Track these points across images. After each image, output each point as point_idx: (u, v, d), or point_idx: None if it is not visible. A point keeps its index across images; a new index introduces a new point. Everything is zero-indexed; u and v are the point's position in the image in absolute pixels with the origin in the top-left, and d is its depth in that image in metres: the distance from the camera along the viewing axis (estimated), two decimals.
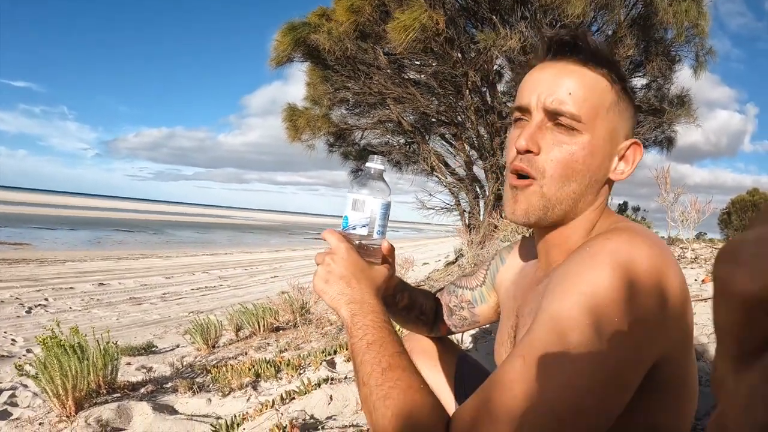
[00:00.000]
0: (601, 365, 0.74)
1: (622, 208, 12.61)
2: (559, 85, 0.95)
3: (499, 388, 0.78)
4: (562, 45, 0.98)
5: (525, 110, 0.99)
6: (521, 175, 0.98)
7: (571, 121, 0.94)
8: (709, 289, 3.64)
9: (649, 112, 9.51)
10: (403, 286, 1.41)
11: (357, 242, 1.12)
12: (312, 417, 2.57)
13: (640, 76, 9.38)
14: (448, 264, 9.46)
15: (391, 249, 1.21)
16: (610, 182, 1.02)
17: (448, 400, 1.47)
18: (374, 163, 1.12)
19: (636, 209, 12.73)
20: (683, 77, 9.68)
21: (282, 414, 2.55)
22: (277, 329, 5.71)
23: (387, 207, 1.12)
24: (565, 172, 0.95)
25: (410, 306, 1.45)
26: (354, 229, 1.11)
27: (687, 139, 11.16)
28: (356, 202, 1.09)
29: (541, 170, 0.95)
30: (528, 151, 0.96)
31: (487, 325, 1.58)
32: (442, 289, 1.57)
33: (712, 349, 2.70)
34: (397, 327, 1.25)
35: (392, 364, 0.93)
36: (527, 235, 1.51)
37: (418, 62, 9.47)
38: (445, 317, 1.51)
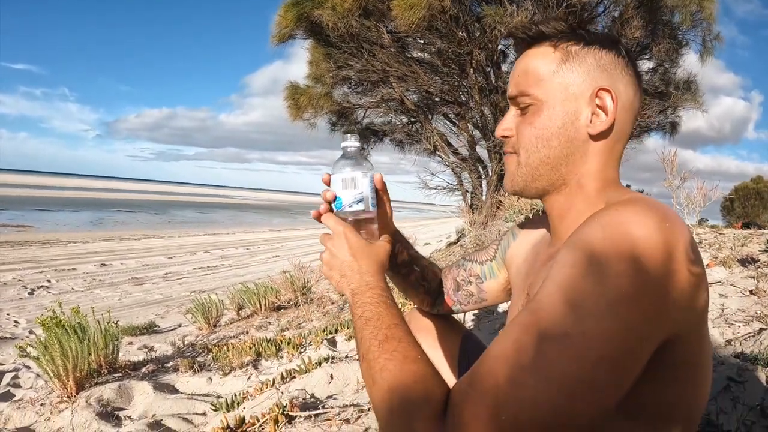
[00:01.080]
0: (610, 336, 0.70)
1: None
2: (514, 74, 1.05)
3: (504, 359, 0.73)
4: (518, 41, 1.06)
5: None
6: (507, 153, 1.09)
7: (523, 98, 1.02)
8: (713, 273, 3.63)
9: (654, 96, 9.42)
10: (402, 240, 1.42)
11: (353, 218, 1.13)
12: (312, 396, 2.56)
13: (646, 59, 9.28)
14: (450, 244, 9.43)
15: (383, 183, 1.21)
16: (595, 139, 0.98)
17: (450, 379, 1.45)
18: (351, 142, 1.16)
19: (641, 196, 12.70)
20: (689, 62, 9.59)
21: (282, 393, 2.53)
22: (278, 308, 5.71)
23: (372, 180, 1.15)
24: (533, 141, 1.01)
25: (409, 263, 1.43)
26: (350, 206, 1.12)
27: (690, 125, 11.12)
28: (346, 181, 1.11)
29: (515, 146, 1.05)
30: (505, 137, 1.07)
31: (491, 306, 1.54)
32: (450, 265, 1.54)
33: (715, 333, 2.69)
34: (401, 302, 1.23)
35: (389, 336, 0.93)
36: (530, 216, 1.48)
37: (422, 41, 9.38)
38: (451, 292, 1.48)
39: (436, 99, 10.02)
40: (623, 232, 0.74)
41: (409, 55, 9.69)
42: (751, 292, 3.27)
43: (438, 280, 1.51)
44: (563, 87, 0.98)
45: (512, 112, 1.06)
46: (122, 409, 3.13)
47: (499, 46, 9.14)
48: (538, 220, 1.32)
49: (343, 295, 1.11)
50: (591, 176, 0.99)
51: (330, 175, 1.15)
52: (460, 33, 8.63)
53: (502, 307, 3.50)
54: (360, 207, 1.12)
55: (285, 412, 2.13)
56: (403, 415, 0.82)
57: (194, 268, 12.83)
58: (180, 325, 6.26)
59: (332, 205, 1.14)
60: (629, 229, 0.74)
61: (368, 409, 2.21)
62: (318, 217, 1.17)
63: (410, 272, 1.44)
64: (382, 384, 0.87)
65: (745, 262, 3.93)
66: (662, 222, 0.75)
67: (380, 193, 1.21)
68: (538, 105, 0.99)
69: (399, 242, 1.39)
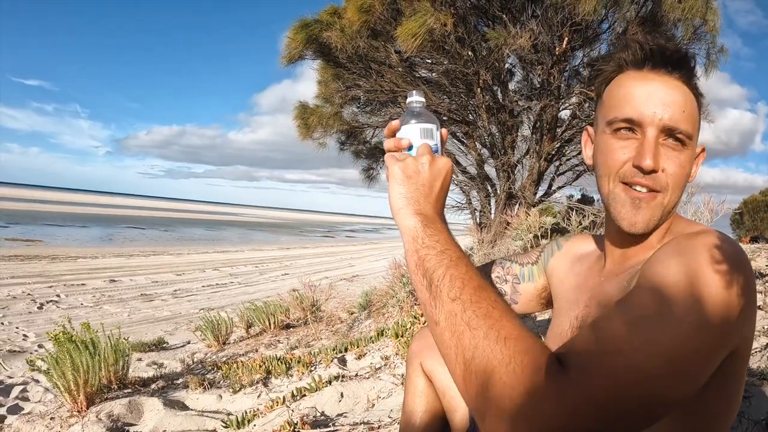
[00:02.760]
0: (705, 333, 0.76)
1: None
2: (674, 102, 0.99)
3: (624, 331, 0.77)
4: (668, 58, 1.00)
5: (635, 123, 1.01)
6: (646, 192, 1.03)
7: (685, 139, 1.00)
8: None
9: None
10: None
11: None
12: (323, 414, 2.57)
13: None
14: None
15: (447, 134, 1.18)
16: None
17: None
18: (417, 97, 1.13)
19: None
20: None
21: (293, 411, 2.54)
22: (287, 326, 5.72)
23: (440, 134, 1.14)
24: (679, 185, 1.02)
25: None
26: None
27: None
28: (424, 131, 1.09)
29: (665, 185, 1.00)
30: (653, 171, 0.99)
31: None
32: (488, 262, 1.53)
33: None
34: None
35: (483, 285, 0.84)
36: (538, 235, 1.50)
37: (429, 60, 9.44)
38: None
39: (444, 118, 10.05)
40: (714, 250, 0.83)
41: (417, 75, 9.75)
42: (758, 307, 3.28)
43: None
44: (696, 137, 1.03)
45: (653, 138, 0.99)
46: (132, 425, 3.15)
47: (506, 65, 9.20)
48: (582, 237, 1.37)
49: (394, 214, 0.99)
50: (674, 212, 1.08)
51: (400, 123, 1.10)
52: (467, 53, 8.69)
53: None
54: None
55: (296, 430, 2.14)
56: (522, 365, 0.73)
57: (203, 286, 12.86)
58: (189, 342, 6.29)
59: (407, 152, 1.09)
60: (718, 249, 0.83)
61: (378, 428, 2.22)
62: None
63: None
64: (488, 331, 0.77)
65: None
66: (740, 247, 0.87)
67: (442, 148, 1.17)
68: (688, 149, 1.01)
69: None
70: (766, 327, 2.97)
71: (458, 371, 0.78)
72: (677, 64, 1.00)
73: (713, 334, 0.77)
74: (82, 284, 11.86)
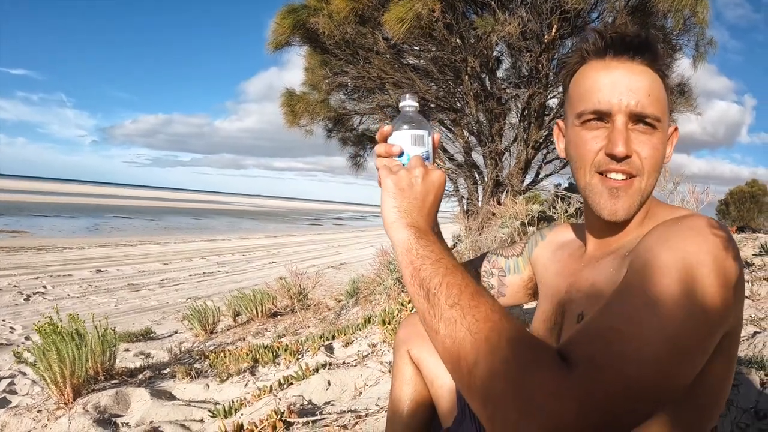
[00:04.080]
0: (703, 318, 0.78)
1: None
2: (639, 87, 1.00)
3: (620, 324, 0.77)
4: (628, 45, 1.02)
5: (603, 113, 1.02)
6: (622, 179, 1.04)
7: (654, 122, 1.01)
8: None
9: None
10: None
11: None
12: (310, 402, 2.57)
13: None
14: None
15: (439, 139, 1.18)
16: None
17: (448, 381, 1.45)
18: (410, 101, 1.12)
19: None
20: (682, 67, 9.64)
21: (280, 399, 2.54)
22: (275, 315, 5.72)
23: (432, 140, 1.13)
24: (655, 167, 1.03)
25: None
26: None
27: (684, 129, 11.18)
28: (416, 138, 1.08)
29: (640, 169, 1.02)
30: (626, 156, 1.00)
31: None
32: (473, 258, 1.53)
33: None
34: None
35: (479, 290, 0.84)
36: (525, 222, 1.51)
37: (417, 47, 9.40)
38: None
39: (432, 105, 10.03)
40: (709, 233, 0.85)
41: (405, 62, 9.70)
42: (745, 296, 3.32)
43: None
44: (667, 119, 1.05)
45: (623, 125, 1.01)
46: (120, 416, 3.14)
47: (494, 53, 9.18)
48: (565, 226, 1.39)
49: (387, 226, 0.98)
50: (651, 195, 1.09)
51: (392, 128, 1.10)
52: (455, 40, 8.66)
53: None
54: (428, 164, 1.08)
55: (283, 419, 2.14)
56: (526, 364, 0.72)
57: (190, 275, 12.83)
58: (176, 332, 6.27)
59: (398, 159, 1.08)
60: (712, 230, 0.85)
61: (365, 416, 2.23)
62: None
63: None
64: (489, 334, 0.76)
65: None
66: (726, 229, 0.89)
67: (435, 152, 1.17)
68: (658, 131, 1.02)
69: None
70: (753, 315, 3.01)
71: (463, 378, 0.77)
72: (638, 49, 1.01)
73: (713, 316, 0.79)
74: (69, 275, 11.79)
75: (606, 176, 1.04)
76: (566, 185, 10.18)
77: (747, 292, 3.38)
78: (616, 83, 1.01)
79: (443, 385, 1.47)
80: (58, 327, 3.45)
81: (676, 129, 1.12)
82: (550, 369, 0.71)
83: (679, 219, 0.92)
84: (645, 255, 0.86)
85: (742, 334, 2.70)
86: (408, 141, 1.08)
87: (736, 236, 5.70)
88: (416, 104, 1.12)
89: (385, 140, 1.10)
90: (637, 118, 1.00)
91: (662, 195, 5.05)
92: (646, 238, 0.92)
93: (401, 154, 1.07)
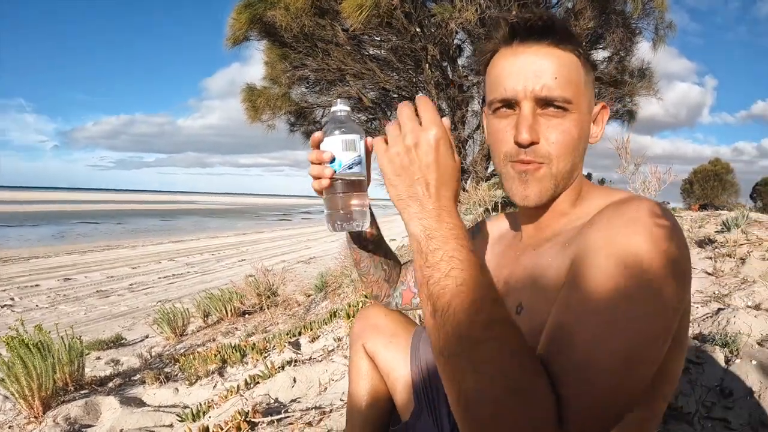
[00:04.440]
0: (660, 313, 0.77)
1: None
2: (543, 71, 0.96)
3: (588, 344, 0.75)
4: (532, 29, 0.97)
5: (511, 100, 0.99)
6: (527, 162, 1.00)
7: (563, 104, 0.97)
8: None
9: (610, 84, 9.61)
10: (372, 216, 1.29)
11: (350, 180, 1.08)
12: (276, 400, 2.58)
13: (601, 49, 9.45)
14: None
15: (371, 147, 1.10)
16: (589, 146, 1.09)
17: (403, 374, 1.43)
18: (342, 106, 1.11)
19: (601, 181, 12.94)
20: (643, 50, 9.78)
21: (246, 399, 2.56)
22: (244, 313, 5.71)
23: (364, 144, 1.11)
24: (566, 151, 0.98)
25: (377, 241, 1.35)
26: (350, 168, 1.07)
27: (647, 112, 11.32)
28: (347, 143, 1.07)
29: (547, 155, 0.98)
30: (531, 143, 0.97)
31: None
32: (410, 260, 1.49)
33: None
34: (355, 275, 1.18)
35: (493, 317, 0.74)
36: (489, 208, 1.48)
37: (378, 38, 9.38)
38: (412, 284, 1.44)
39: (394, 95, 10.06)
40: (653, 221, 0.82)
41: (365, 53, 9.69)
42: (708, 273, 3.38)
43: (397, 269, 1.45)
44: (588, 100, 1.02)
45: (529, 111, 0.97)
46: (90, 426, 3.13)
47: (455, 41, 9.22)
48: (496, 218, 1.35)
49: (401, 215, 0.87)
50: (579, 177, 1.07)
51: (323, 135, 1.08)
52: (414, 28, 8.68)
53: None
54: (358, 170, 1.08)
55: (247, 419, 2.16)
56: (527, 419, 0.68)
57: (159, 277, 12.68)
58: (147, 336, 6.22)
59: (330, 165, 1.06)
60: (656, 218, 0.83)
61: (330, 411, 2.25)
62: (320, 190, 1.09)
63: (376, 251, 1.36)
64: (494, 378, 0.70)
65: (703, 243, 4.07)
66: (669, 211, 0.87)
67: (368, 157, 1.15)
68: (571, 113, 0.98)
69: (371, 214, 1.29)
70: (717, 292, 3.04)
71: (459, 414, 0.72)
72: (543, 31, 0.97)
73: (670, 309, 0.78)
74: (37, 285, 11.57)
75: (514, 163, 1.01)
76: None
77: (710, 269, 3.43)
78: (521, 69, 0.97)
79: (398, 378, 1.44)
80: (24, 339, 3.41)
81: (603, 107, 1.09)
82: (546, 425, 0.69)
83: (620, 206, 0.88)
84: (592, 255, 0.82)
85: (705, 311, 2.76)
86: (339, 146, 1.07)
87: (699, 214, 5.84)
88: (348, 109, 1.12)
89: (317, 146, 1.09)
90: (544, 103, 0.97)
91: (624, 177, 5.14)
92: (589, 231, 0.89)
93: (333, 160, 1.06)
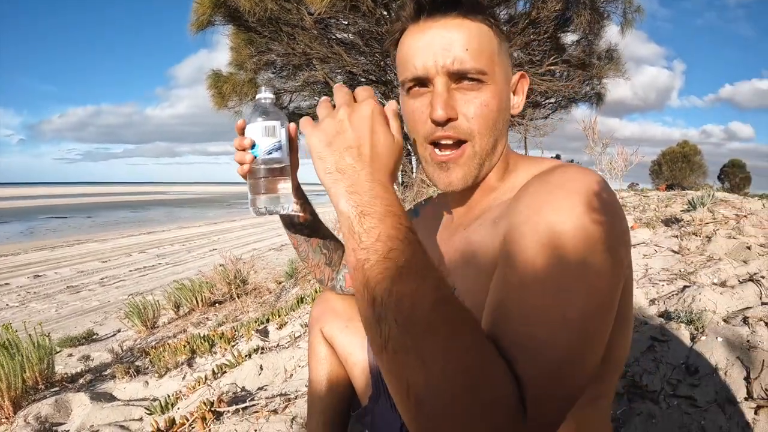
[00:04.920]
0: (603, 285, 0.74)
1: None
2: (452, 43, 0.92)
3: (515, 311, 0.73)
4: (437, 2, 0.94)
5: (423, 79, 0.95)
6: (446, 145, 0.97)
7: (478, 76, 0.93)
8: (638, 234, 3.82)
9: (578, 67, 9.68)
10: (305, 198, 1.30)
11: (271, 166, 1.10)
12: (243, 389, 2.60)
13: (569, 32, 9.49)
14: None
15: (295, 132, 1.14)
16: (511, 118, 1.06)
17: (361, 359, 1.44)
18: (266, 94, 1.13)
19: (570, 162, 13.09)
20: (611, 33, 9.86)
21: (214, 389, 2.57)
22: (215, 303, 5.70)
23: (287, 130, 1.13)
24: (487, 124, 0.95)
25: (313, 225, 1.35)
26: (269, 154, 1.09)
27: (616, 94, 11.44)
28: (267, 129, 1.09)
29: (469, 132, 0.94)
30: (449, 120, 0.93)
31: None
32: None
33: (639, 294, 2.81)
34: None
35: (440, 297, 0.68)
36: (418, 202, 1.44)
37: (344, 21, 9.31)
38: None
39: (362, 79, 10.00)
40: (584, 189, 0.78)
41: (332, 37, 9.61)
42: (674, 251, 3.43)
43: (340, 252, 1.44)
44: (504, 70, 0.98)
45: (443, 87, 0.93)
46: (61, 424, 3.11)
47: None
48: (438, 198, 1.31)
49: (328, 192, 0.80)
50: (505, 149, 1.04)
51: (245, 122, 1.10)
52: (380, 12, 8.63)
53: None
54: (278, 155, 1.10)
55: (212, 409, 2.17)
56: (482, 406, 0.62)
57: (130, 270, 12.55)
58: (119, 331, 6.18)
59: (250, 151, 1.09)
60: (586, 186, 0.79)
61: (295, 398, 2.27)
62: (243, 175, 1.11)
63: (313, 235, 1.36)
64: (446, 366, 0.63)
65: (669, 222, 4.14)
66: (601, 177, 0.83)
67: (293, 143, 1.15)
68: (488, 84, 0.94)
69: (302, 199, 1.29)
70: (683, 270, 3.07)
71: (409, 412, 0.65)
72: (450, 4, 0.93)
73: (608, 282, 0.75)
74: (6, 284, 11.36)
75: (435, 149, 0.98)
76: None
77: (676, 247, 3.47)
78: (429, 44, 0.93)
79: (356, 363, 1.44)
80: None
81: (522, 75, 1.04)
82: (506, 415, 0.64)
83: (544, 176, 0.85)
84: (520, 230, 0.79)
85: (670, 289, 2.79)
86: (259, 132, 1.09)
87: (666, 194, 5.94)
88: (271, 96, 1.14)
89: (242, 133, 1.11)
90: (458, 76, 0.93)
91: (591, 158, 5.22)
92: (516, 204, 0.85)
93: (253, 146, 1.09)
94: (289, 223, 1.33)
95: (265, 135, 1.09)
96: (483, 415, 0.62)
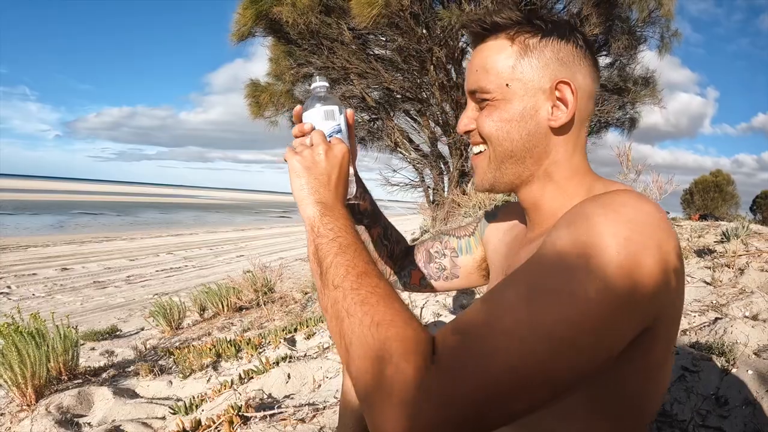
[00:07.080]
0: (595, 303, 0.69)
1: None
2: (472, 68, 1.04)
3: (498, 311, 0.72)
4: (475, 34, 1.04)
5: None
6: (475, 153, 1.08)
7: (483, 95, 1.01)
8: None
9: (613, 92, 9.62)
10: (364, 187, 1.37)
11: None
12: (270, 396, 2.58)
13: (604, 55, 9.45)
14: (413, 241, 9.47)
15: (353, 118, 1.21)
16: (557, 132, 1.00)
17: None
18: (321, 82, 1.17)
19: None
20: (647, 58, 9.78)
21: (240, 394, 2.55)
22: (241, 309, 5.70)
23: (345, 115, 1.17)
24: (498, 133, 1.00)
25: (373, 215, 1.39)
26: (330, 137, 1.11)
27: (648, 120, 11.32)
28: (327, 113, 1.12)
29: (486, 138, 1.03)
30: (468, 132, 1.07)
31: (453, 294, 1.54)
32: (426, 238, 1.51)
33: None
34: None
35: (367, 270, 0.85)
36: (499, 205, 1.47)
37: (383, 38, 9.39)
38: (422, 264, 1.44)
39: (397, 96, 10.05)
40: (605, 220, 0.74)
41: (370, 52, 9.70)
42: (707, 282, 3.37)
43: (403, 246, 1.47)
44: (524, 82, 0.97)
45: (471, 106, 1.06)
46: (82, 416, 3.11)
47: (460, 44, 9.23)
48: (514, 205, 1.30)
49: (299, 206, 1.02)
50: (558, 166, 1.01)
51: (302, 109, 1.14)
52: (420, 30, 8.68)
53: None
54: (339, 137, 1.12)
55: (240, 413, 2.15)
56: (390, 351, 0.71)
57: (157, 270, 12.66)
58: (143, 329, 6.21)
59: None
60: (611, 216, 0.75)
61: (323, 408, 2.25)
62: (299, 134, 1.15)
63: (373, 225, 1.39)
64: (363, 317, 0.76)
65: (702, 253, 4.06)
66: (643, 209, 0.77)
67: (350, 129, 1.19)
68: (497, 101, 0.99)
69: (361, 188, 1.34)
70: (714, 302, 3.02)
71: (343, 358, 0.80)
72: (481, 35, 1.04)
73: (610, 306, 0.69)
74: (34, 274, 11.55)
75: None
76: None
77: (708, 279, 3.38)
78: (467, 71, 1.08)
79: None
80: (18, 327, 3.40)
81: (560, 83, 0.97)
82: (415, 362, 0.70)
83: (600, 197, 0.81)
84: (548, 237, 0.79)
85: (702, 320, 2.73)
86: (319, 117, 1.12)
87: (699, 224, 5.82)
88: (326, 83, 1.17)
89: (300, 121, 1.14)
90: (475, 97, 1.05)
91: (625, 184, 5.14)
92: (560, 218, 0.83)
93: (314, 130, 1.11)
94: (350, 211, 1.34)
95: (325, 119, 1.12)
96: (392, 360, 0.71)
